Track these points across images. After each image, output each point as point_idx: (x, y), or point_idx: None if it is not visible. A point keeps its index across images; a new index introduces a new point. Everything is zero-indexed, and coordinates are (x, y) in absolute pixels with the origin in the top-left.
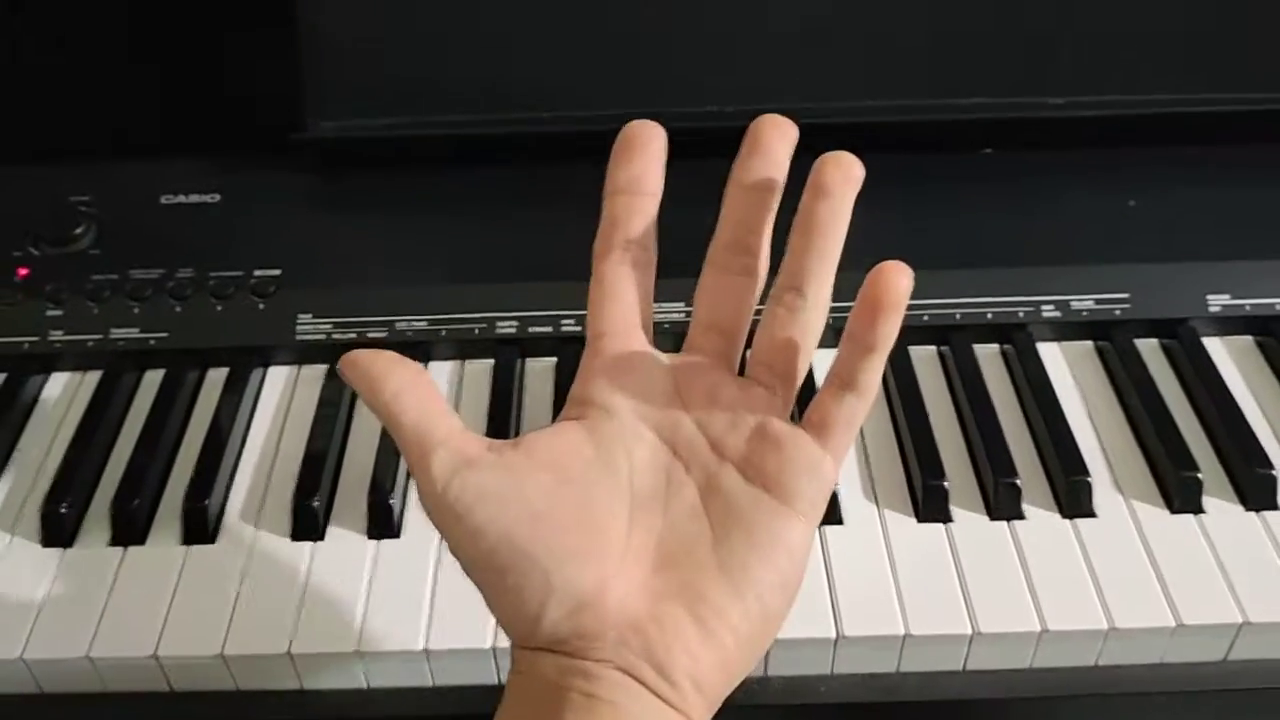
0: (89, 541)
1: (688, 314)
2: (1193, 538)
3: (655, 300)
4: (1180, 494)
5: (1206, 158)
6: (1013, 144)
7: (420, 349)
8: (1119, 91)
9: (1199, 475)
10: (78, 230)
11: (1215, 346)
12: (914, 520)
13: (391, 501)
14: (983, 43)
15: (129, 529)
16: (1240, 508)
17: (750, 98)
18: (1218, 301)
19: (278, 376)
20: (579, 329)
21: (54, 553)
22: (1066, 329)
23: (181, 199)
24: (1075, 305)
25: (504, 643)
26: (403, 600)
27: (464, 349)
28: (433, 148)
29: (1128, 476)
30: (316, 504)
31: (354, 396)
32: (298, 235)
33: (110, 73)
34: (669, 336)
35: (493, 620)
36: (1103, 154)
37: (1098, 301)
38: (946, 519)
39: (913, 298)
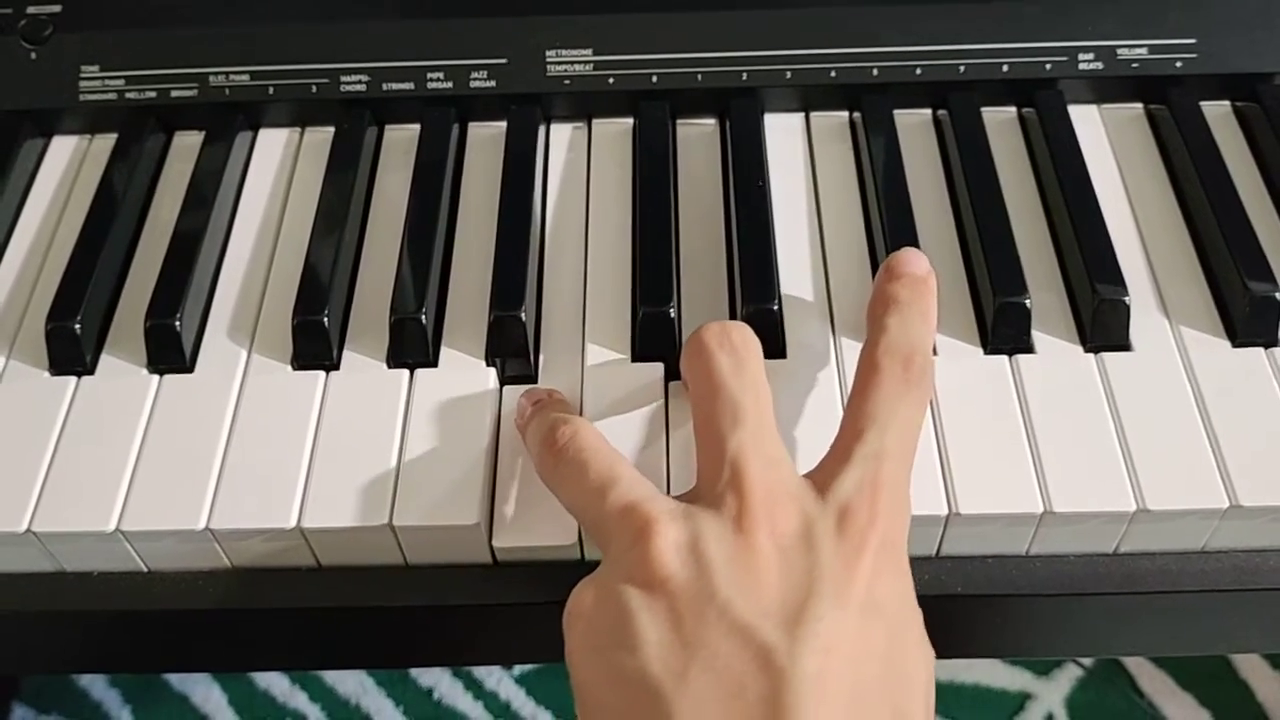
0: None
1: (596, 63)
2: (1262, 379)
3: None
4: (1249, 319)
5: None
6: None
7: (244, 111)
8: None
9: (1278, 294)
10: None
11: None
12: None
13: (177, 324)
14: None
15: None
16: None
17: None
18: None
19: (61, 151)
20: (450, 86)
21: None
22: (1109, 86)
23: None
24: (1123, 54)
25: None
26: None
27: (301, 111)
28: None
29: (1179, 294)
30: (78, 328)
31: (153, 176)
32: None
33: None
34: (572, 97)
35: None
36: None
37: (1153, 49)
38: None
39: (900, 42)
